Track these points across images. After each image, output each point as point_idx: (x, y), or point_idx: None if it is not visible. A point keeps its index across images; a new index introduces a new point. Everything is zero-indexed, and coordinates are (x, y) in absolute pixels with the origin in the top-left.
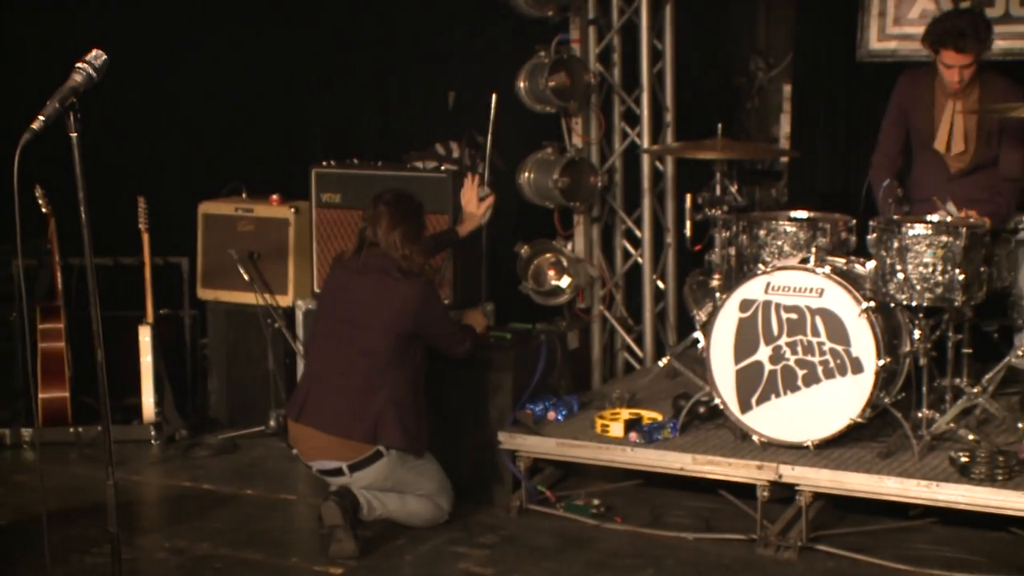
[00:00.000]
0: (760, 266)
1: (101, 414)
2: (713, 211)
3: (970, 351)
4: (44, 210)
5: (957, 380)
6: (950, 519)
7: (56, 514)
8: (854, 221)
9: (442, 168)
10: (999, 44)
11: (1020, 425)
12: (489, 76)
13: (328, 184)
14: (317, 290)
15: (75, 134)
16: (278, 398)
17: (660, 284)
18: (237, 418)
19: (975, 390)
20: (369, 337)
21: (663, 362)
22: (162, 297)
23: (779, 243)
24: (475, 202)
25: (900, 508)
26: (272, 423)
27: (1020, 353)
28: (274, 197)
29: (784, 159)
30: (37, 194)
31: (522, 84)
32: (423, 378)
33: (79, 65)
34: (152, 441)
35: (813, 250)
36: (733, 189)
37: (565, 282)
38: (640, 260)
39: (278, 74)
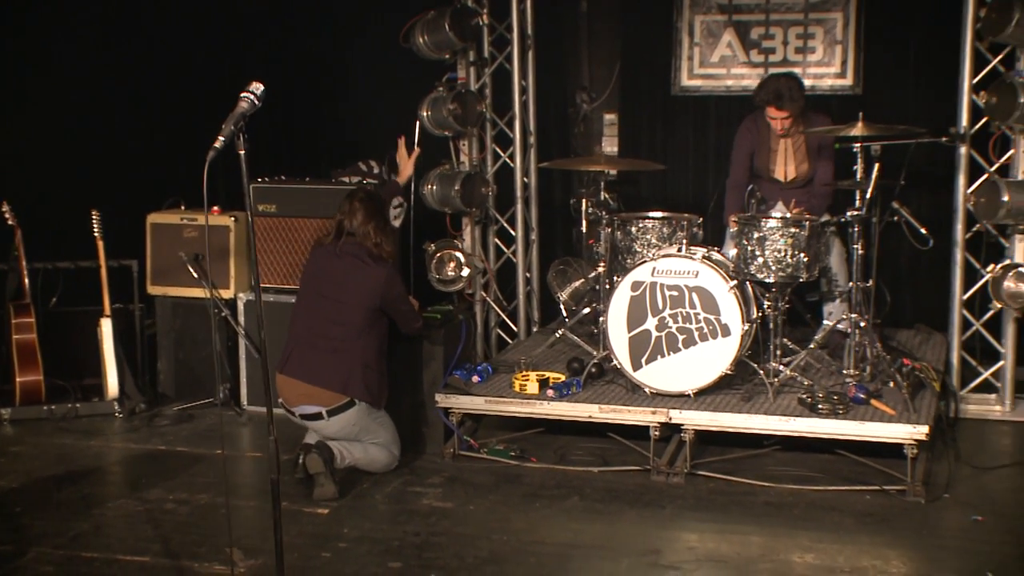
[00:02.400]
0: (648, 254)
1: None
2: (600, 212)
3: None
4: (11, 222)
5: (786, 340)
6: (790, 446)
7: (60, 478)
8: (700, 219)
9: (365, 182)
10: None
11: (845, 372)
12: (395, 105)
13: (264, 196)
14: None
15: (243, 151)
16: (224, 375)
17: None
18: (184, 393)
19: (812, 345)
20: (343, 310)
21: (559, 334)
22: (115, 294)
23: (648, 236)
24: (406, 156)
25: (751, 440)
26: (220, 395)
27: (827, 319)
28: (215, 208)
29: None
30: (3, 209)
31: (425, 113)
32: (386, 347)
33: (243, 94)
34: (116, 414)
35: (684, 242)
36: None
37: (466, 272)
38: (513, 258)
39: (216, 100)
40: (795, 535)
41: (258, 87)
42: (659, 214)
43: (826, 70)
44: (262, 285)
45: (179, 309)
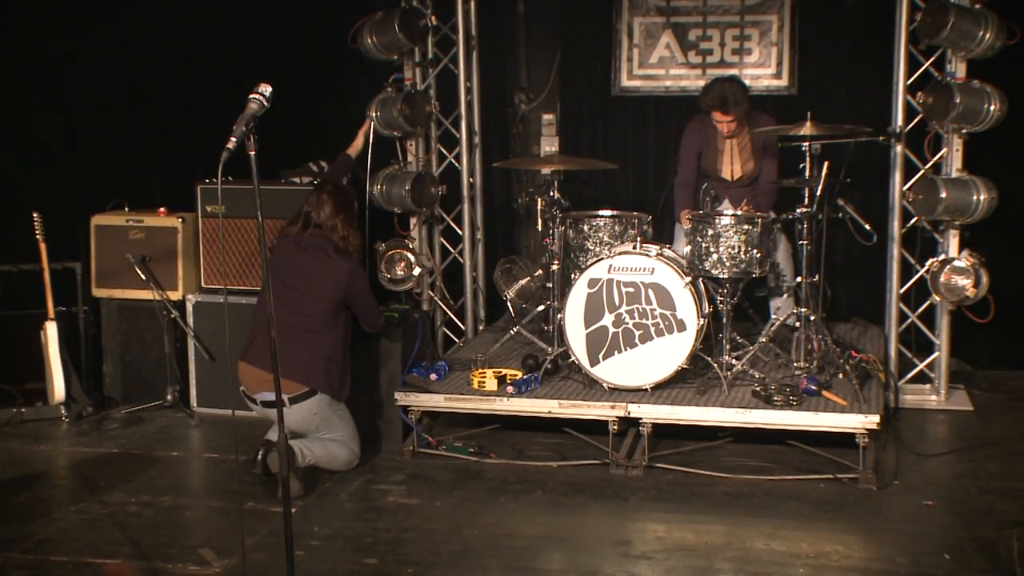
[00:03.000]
0: (601, 252)
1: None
2: (555, 211)
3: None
4: None
5: (735, 335)
6: (742, 438)
7: (14, 482)
8: (650, 217)
9: (315, 182)
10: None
11: (796, 364)
12: (343, 106)
13: (212, 197)
14: (204, 285)
15: (253, 152)
16: (173, 376)
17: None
18: (131, 396)
19: (763, 339)
20: (307, 302)
21: (514, 331)
22: (58, 296)
23: (600, 235)
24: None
25: (704, 432)
26: (169, 397)
27: (775, 314)
28: (161, 210)
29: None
30: None
31: (375, 113)
32: (350, 341)
33: (252, 96)
34: (63, 418)
35: (638, 239)
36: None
37: (417, 272)
38: (459, 257)
39: (165, 102)
40: (757, 523)
41: (266, 88)
42: (609, 212)
43: (762, 71)
44: (211, 286)
45: (125, 311)
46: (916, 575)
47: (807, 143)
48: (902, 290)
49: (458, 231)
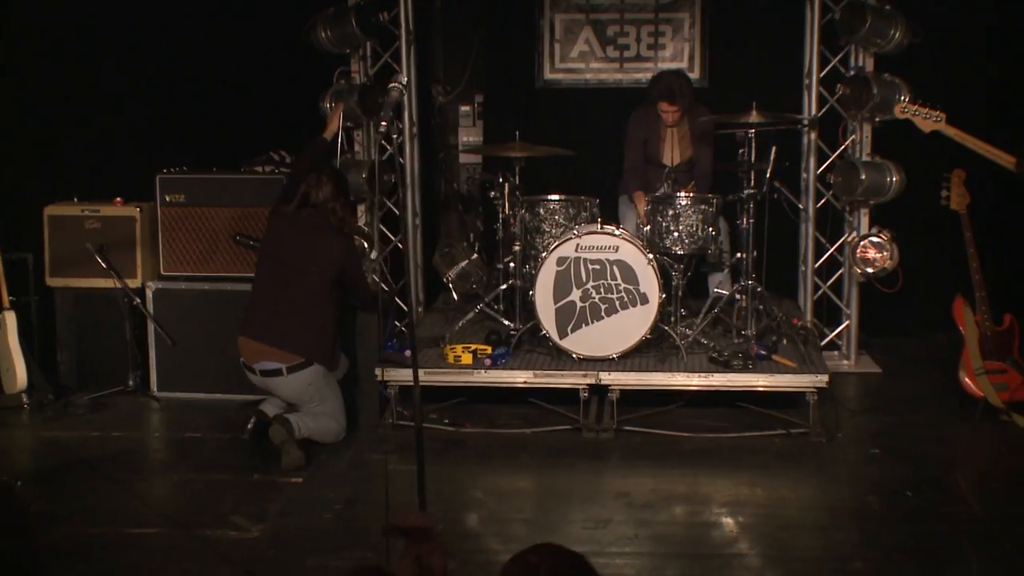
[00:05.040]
0: (556, 233)
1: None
2: (517, 194)
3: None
4: None
5: (682, 310)
6: (694, 402)
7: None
8: (597, 200)
9: (277, 171)
10: (634, 76)
11: (745, 333)
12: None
13: (171, 187)
14: (164, 273)
15: (395, 135)
16: (134, 362)
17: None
18: (87, 384)
19: (716, 310)
20: (303, 277)
21: (478, 309)
22: (8, 287)
23: (556, 217)
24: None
25: (658, 398)
26: (131, 382)
27: (716, 288)
28: (117, 200)
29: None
30: None
31: (328, 105)
32: (340, 315)
33: (392, 85)
34: (24, 406)
35: (599, 220)
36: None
37: (374, 255)
38: (399, 244)
39: (117, 92)
40: (733, 474)
41: (403, 78)
42: (557, 197)
43: (676, 65)
44: (171, 273)
45: (81, 300)
46: (888, 511)
47: (754, 131)
48: (816, 264)
49: (398, 217)
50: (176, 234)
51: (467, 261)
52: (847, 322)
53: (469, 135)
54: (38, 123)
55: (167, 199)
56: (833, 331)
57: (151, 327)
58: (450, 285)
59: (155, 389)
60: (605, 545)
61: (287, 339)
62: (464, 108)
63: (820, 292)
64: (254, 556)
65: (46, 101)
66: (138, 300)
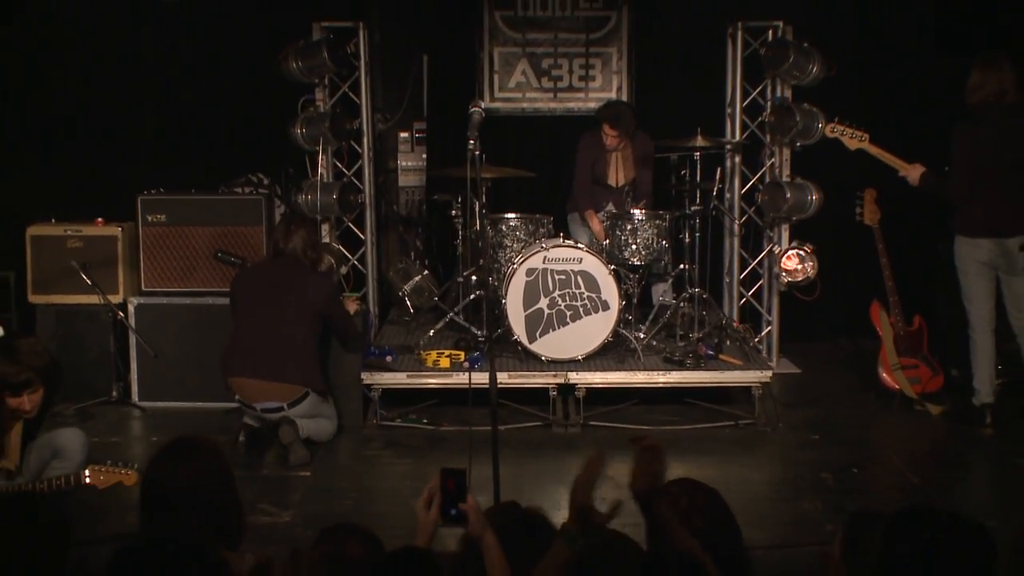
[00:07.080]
0: (540, 245)
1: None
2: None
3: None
4: None
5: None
6: (645, 400)
7: None
8: (552, 218)
9: (256, 192)
10: (566, 105)
11: (692, 336)
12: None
13: (152, 207)
14: (145, 289)
15: (479, 152)
16: (118, 373)
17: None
18: (70, 396)
19: (666, 316)
20: (289, 317)
21: (447, 318)
22: None
23: (517, 233)
24: None
25: (611, 397)
26: (114, 393)
27: (661, 296)
28: (99, 220)
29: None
30: None
31: (300, 130)
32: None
33: (473, 108)
34: None
35: (561, 236)
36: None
37: (343, 271)
38: (358, 263)
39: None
40: (698, 460)
41: (481, 102)
42: (515, 215)
43: (606, 95)
44: (152, 289)
45: (62, 316)
46: (841, 483)
47: (699, 153)
48: (742, 276)
49: (359, 235)
50: (157, 252)
51: (420, 276)
52: (768, 327)
53: (408, 160)
54: (19, 144)
55: (149, 219)
56: (756, 336)
57: (133, 340)
58: (405, 299)
59: (137, 399)
60: None
61: (288, 372)
62: (403, 135)
63: (744, 300)
64: (293, 536)
65: (26, 124)
66: (121, 314)
